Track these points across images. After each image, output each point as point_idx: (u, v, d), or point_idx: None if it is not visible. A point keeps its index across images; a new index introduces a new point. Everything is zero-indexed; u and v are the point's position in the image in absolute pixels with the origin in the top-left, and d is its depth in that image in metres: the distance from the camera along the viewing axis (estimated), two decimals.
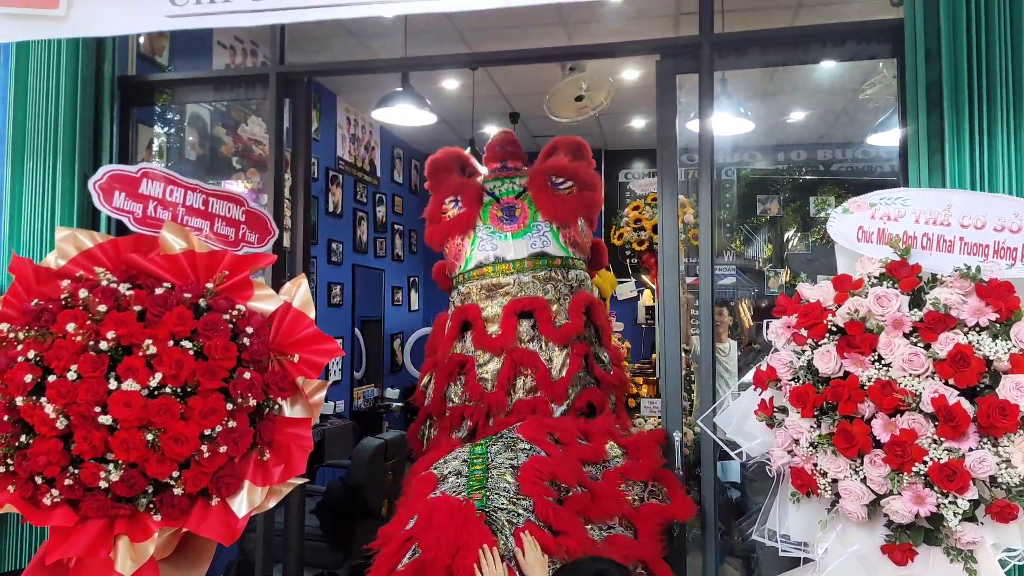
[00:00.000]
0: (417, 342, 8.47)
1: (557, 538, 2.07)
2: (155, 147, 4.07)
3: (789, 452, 2.00)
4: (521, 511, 2.15)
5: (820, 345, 1.95)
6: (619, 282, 5.26)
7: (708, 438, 2.57)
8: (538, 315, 2.84)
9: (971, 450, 1.72)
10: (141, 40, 3.94)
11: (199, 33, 4.49)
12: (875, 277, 1.96)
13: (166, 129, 4.18)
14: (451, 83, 6.41)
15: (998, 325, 1.80)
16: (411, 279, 8.74)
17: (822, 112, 6.48)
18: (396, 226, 8.32)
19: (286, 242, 3.15)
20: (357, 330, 7.20)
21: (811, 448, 1.92)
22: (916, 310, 1.87)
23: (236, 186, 4.74)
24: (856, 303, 1.92)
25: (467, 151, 6.24)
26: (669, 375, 2.73)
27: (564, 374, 2.81)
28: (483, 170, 3.31)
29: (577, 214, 3.00)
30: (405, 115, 5.00)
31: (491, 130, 7.86)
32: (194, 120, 4.49)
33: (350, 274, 7.06)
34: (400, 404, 7.55)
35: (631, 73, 6.09)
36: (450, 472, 2.39)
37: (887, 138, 4.41)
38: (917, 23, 2.42)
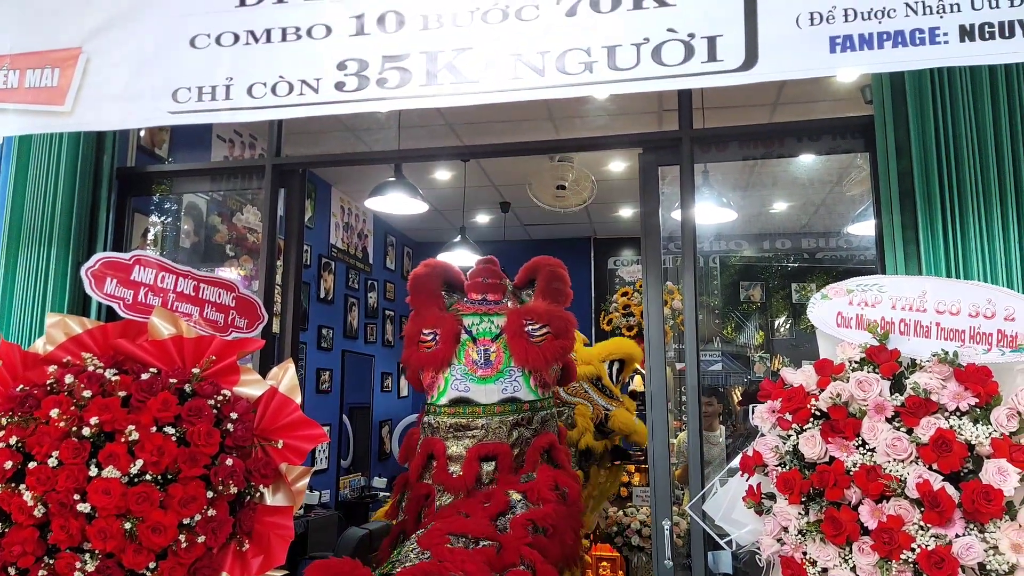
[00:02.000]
0: (405, 429, 8.37)
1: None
2: (151, 235, 4.14)
3: (778, 540, 1.97)
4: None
5: (805, 430, 1.95)
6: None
7: (698, 527, 2.54)
8: (500, 461, 2.92)
9: (958, 536, 1.70)
10: (142, 133, 4.07)
11: (199, 128, 4.64)
12: (856, 362, 1.99)
13: (163, 218, 4.27)
14: (443, 174, 6.59)
15: (978, 409, 1.81)
16: (401, 365, 8.72)
17: (803, 203, 6.67)
18: (387, 312, 8.36)
19: (276, 327, 3.17)
20: (345, 417, 7.12)
21: (800, 536, 1.89)
22: (897, 394, 1.88)
23: (229, 273, 4.80)
24: (838, 387, 1.94)
25: (458, 239, 6.38)
26: (657, 462, 2.71)
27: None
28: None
29: (549, 363, 3.08)
30: (397, 204, 5.12)
31: (482, 218, 8.02)
32: (190, 209, 4.58)
33: (339, 360, 7.04)
34: (387, 493, 7.39)
35: (618, 165, 6.28)
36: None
37: (867, 228, 4.53)
38: (887, 118, 2.53)
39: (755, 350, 6.63)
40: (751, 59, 1.89)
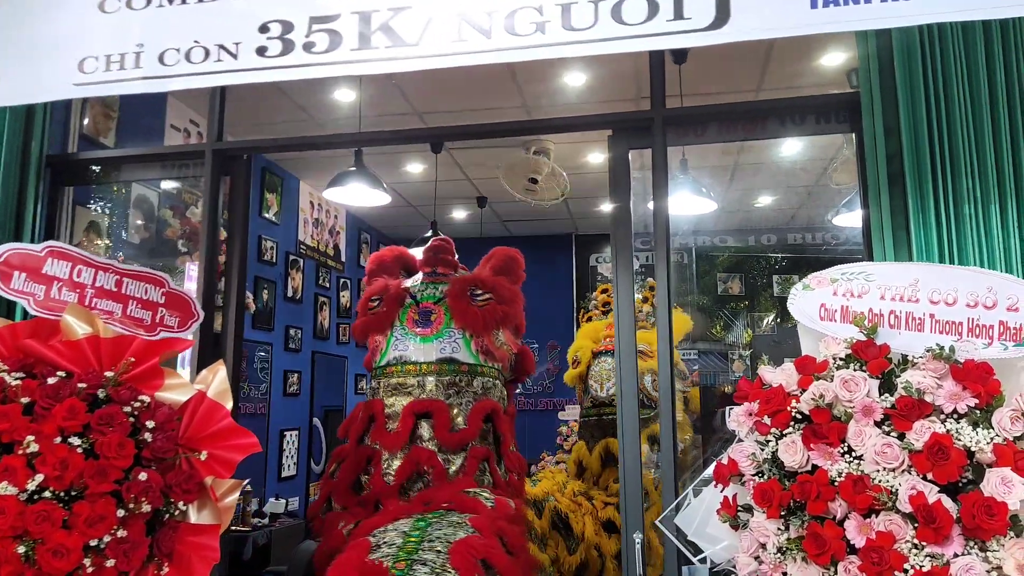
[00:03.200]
0: None
1: None
2: (95, 229, 3.90)
3: (756, 559, 1.79)
4: None
5: (785, 435, 1.78)
6: None
7: (671, 543, 2.34)
8: (435, 417, 2.98)
9: (957, 556, 1.53)
10: (86, 121, 3.84)
11: (148, 115, 4.40)
12: (841, 359, 1.81)
13: (109, 210, 4.03)
14: (416, 167, 6.39)
15: (978, 411, 1.64)
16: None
17: (786, 193, 6.51)
18: None
19: (219, 326, 2.95)
20: (318, 420, 6.90)
21: (779, 554, 1.71)
22: (887, 395, 1.72)
23: (185, 269, 4.56)
24: (821, 387, 1.76)
25: (429, 233, 6.18)
26: (628, 471, 2.51)
27: (461, 476, 2.95)
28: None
29: (490, 326, 3.16)
30: (358, 195, 4.90)
31: (459, 214, 7.83)
32: (140, 202, 4.35)
33: (309, 362, 6.82)
34: None
35: (597, 157, 6.10)
36: (385, 542, 2.52)
37: (852, 218, 4.37)
38: (874, 95, 2.36)
39: (734, 348, 6.45)
40: (722, 16, 1.69)
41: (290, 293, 6.50)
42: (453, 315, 3.13)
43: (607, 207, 7.85)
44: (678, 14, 1.71)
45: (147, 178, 3.94)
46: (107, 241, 3.94)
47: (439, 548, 2.45)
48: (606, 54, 1.75)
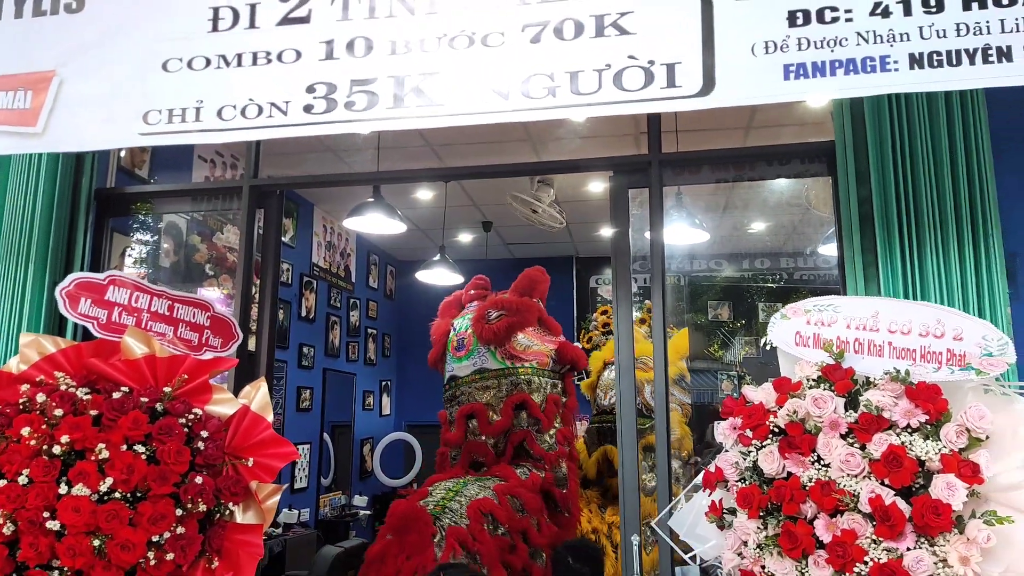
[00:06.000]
0: (387, 448, 8.35)
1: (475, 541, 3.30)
2: (129, 255, 4.15)
3: (739, 554, 2.01)
4: (458, 522, 3.34)
5: (764, 446, 1.99)
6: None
7: (665, 543, 2.57)
8: (478, 417, 3.99)
9: (909, 549, 1.75)
10: (122, 154, 4.10)
11: (179, 148, 4.67)
12: (813, 380, 2.04)
13: (142, 237, 4.29)
14: (425, 193, 6.64)
15: (928, 426, 1.86)
16: (383, 383, 8.71)
17: (773, 225, 6.79)
18: (370, 330, 8.36)
19: (253, 346, 3.19)
20: (326, 435, 7.10)
21: (758, 550, 1.93)
22: (851, 411, 1.93)
23: (209, 292, 4.81)
24: (795, 404, 1.99)
25: (436, 257, 6.46)
26: (627, 478, 2.75)
27: (504, 456, 3.99)
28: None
29: (502, 336, 4.03)
30: (376, 224, 5.18)
31: (464, 237, 8.08)
32: (170, 228, 4.60)
33: (320, 378, 7.04)
34: (368, 512, 7.36)
35: (597, 186, 6.35)
36: (434, 492, 3.59)
37: (833, 249, 4.63)
38: (847, 145, 2.60)
39: (729, 367, 6.70)
40: (708, 85, 1.96)
41: (304, 313, 6.73)
42: (477, 336, 4.05)
43: (607, 232, 8.11)
44: (671, 82, 1.98)
45: (188, 210, 4.26)
46: (141, 266, 4.20)
47: (462, 501, 3.44)
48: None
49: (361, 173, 4.11)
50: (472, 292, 4.39)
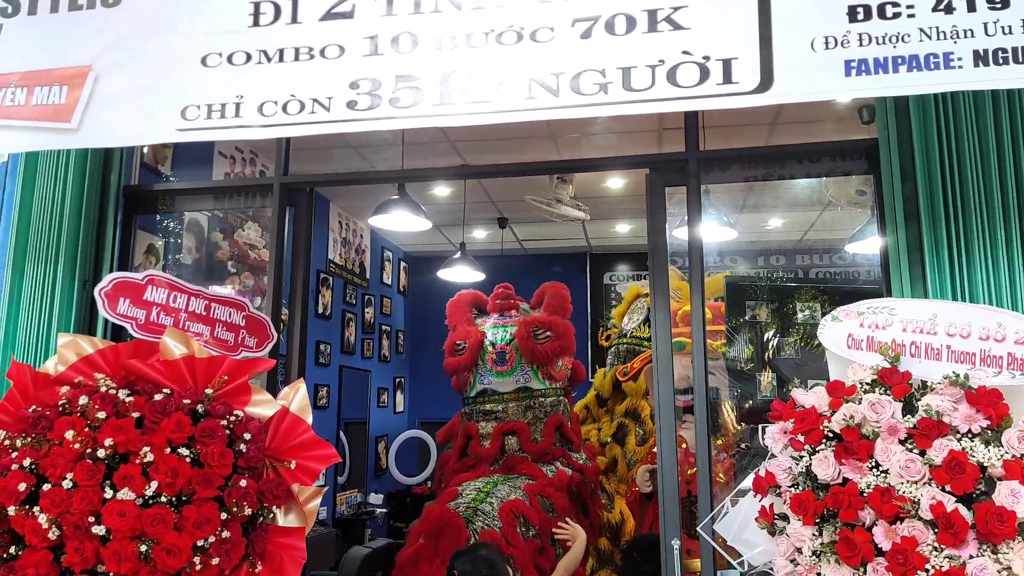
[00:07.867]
0: (402, 445, 8.33)
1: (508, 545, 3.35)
2: (153, 252, 4.13)
3: (792, 561, 1.98)
4: (491, 525, 3.37)
5: (818, 451, 1.96)
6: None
7: (708, 547, 2.55)
8: (520, 435, 4.07)
9: (971, 557, 1.72)
10: (145, 150, 4.07)
11: (201, 144, 4.64)
12: (867, 384, 2.00)
13: (166, 234, 4.27)
14: (442, 190, 6.61)
15: (989, 432, 1.83)
16: (397, 380, 8.68)
17: (803, 222, 6.73)
18: (384, 327, 8.34)
19: (282, 346, 3.17)
20: (342, 433, 7.09)
21: (814, 557, 1.90)
22: (909, 416, 1.90)
23: (226, 289, 4.79)
24: (851, 409, 1.96)
25: (458, 255, 6.43)
26: (667, 480, 2.72)
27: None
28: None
29: (550, 358, 4.16)
30: (401, 221, 5.14)
31: (479, 233, 8.05)
32: (192, 225, 4.58)
33: (337, 376, 7.02)
34: (384, 510, 7.34)
35: (616, 182, 6.32)
36: (464, 492, 3.62)
37: (864, 246, 4.59)
38: (891, 142, 2.56)
39: (753, 367, 6.65)
40: (767, 81, 1.92)
41: (320, 310, 6.71)
42: (523, 353, 4.12)
43: (622, 228, 8.10)
44: (727, 79, 1.94)
45: (216, 208, 4.22)
46: (164, 264, 4.18)
47: (494, 503, 3.48)
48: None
49: (389, 171, 4.09)
50: (499, 302, 4.40)
